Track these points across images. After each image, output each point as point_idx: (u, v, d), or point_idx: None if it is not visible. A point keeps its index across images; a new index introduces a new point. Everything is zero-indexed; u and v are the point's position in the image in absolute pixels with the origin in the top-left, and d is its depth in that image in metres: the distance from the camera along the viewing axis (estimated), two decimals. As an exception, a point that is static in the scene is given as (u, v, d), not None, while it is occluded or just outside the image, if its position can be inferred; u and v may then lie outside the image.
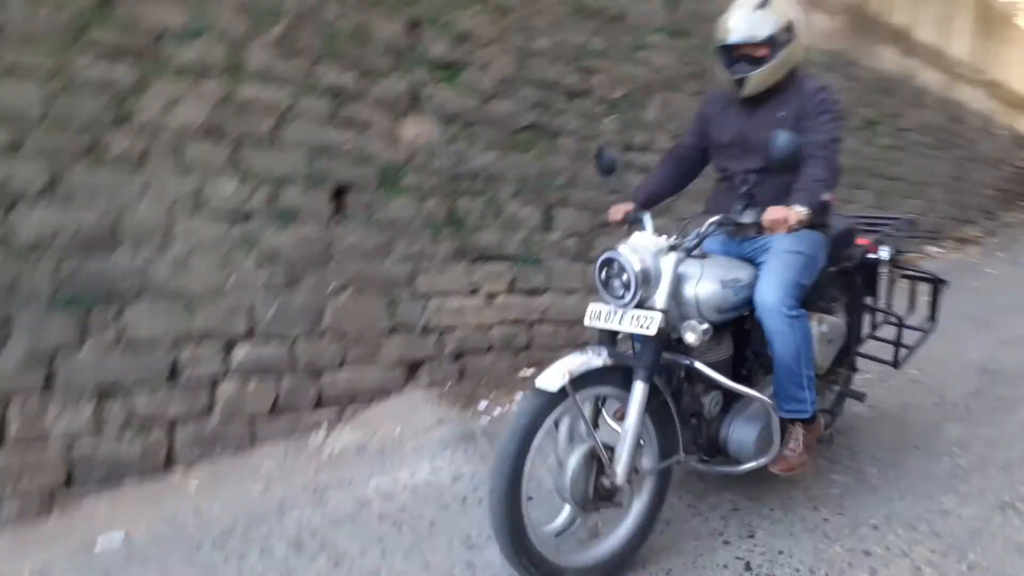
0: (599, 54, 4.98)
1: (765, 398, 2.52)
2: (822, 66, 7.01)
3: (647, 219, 2.62)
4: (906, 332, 3.48)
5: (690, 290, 2.44)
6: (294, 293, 3.55)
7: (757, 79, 2.64)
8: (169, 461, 3.16)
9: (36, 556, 2.60)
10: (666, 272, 2.35)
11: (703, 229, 2.43)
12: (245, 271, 3.40)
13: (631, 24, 5.24)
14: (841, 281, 3.13)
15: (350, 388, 3.73)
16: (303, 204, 3.60)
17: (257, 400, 3.41)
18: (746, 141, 2.69)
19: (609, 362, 2.26)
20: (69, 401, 2.93)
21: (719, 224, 2.42)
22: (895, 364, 3.49)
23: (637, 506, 2.42)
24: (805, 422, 2.67)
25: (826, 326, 2.88)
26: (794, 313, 2.52)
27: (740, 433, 2.61)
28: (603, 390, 2.33)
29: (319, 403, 3.62)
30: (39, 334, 2.87)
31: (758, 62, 2.63)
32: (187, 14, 3.26)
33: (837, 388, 3.24)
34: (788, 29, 2.63)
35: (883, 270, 3.26)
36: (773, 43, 2.60)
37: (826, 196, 2.53)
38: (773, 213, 2.33)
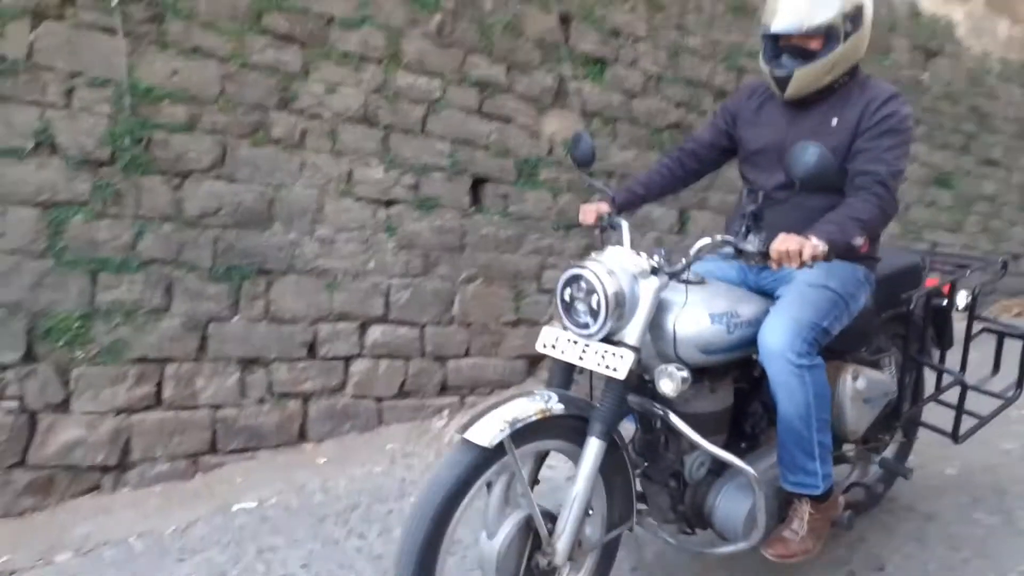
0: (752, 54, 4.77)
1: (751, 470, 1.96)
2: (998, 76, 6.46)
3: (624, 227, 2.16)
4: (981, 398, 2.82)
5: (669, 321, 1.93)
6: (428, 280, 3.63)
7: (804, 78, 2.09)
8: (302, 434, 3.32)
9: (180, 516, 2.80)
10: (644, 300, 1.86)
11: (693, 251, 1.92)
12: (385, 255, 3.50)
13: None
14: (896, 329, 2.61)
15: (473, 377, 3.79)
16: (443, 193, 3.65)
17: (386, 381, 3.52)
18: (783, 151, 2.04)
19: (560, 411, 1.80)
20: (217, 369, 3.11)
21: (713, 247, 1.92)
22: (954, 437, 2.79)
23: None
24: (815, 499, 2.12)
25: (864, 382, 2.29)
26: (805, 362, 1.98)
27: (729, 505, 2.07)
28: (550, 444, 1.88)
29: (443, 389, 3.71)
30: (197, 303, 3.05)
31: (808, 56, 2.09)
32: (354, 2, 3.34)
33: (879, 458, 2.60)
34: (854, 17, 2.07)
35: (955, 319, 2.70)
36: (830, 33, 2.05)
37: (859, 240, 1.98)
38: (783, 243, 1.83)
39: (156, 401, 3.00)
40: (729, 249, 1.92)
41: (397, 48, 3.47)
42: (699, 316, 1.95)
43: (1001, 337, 2.87)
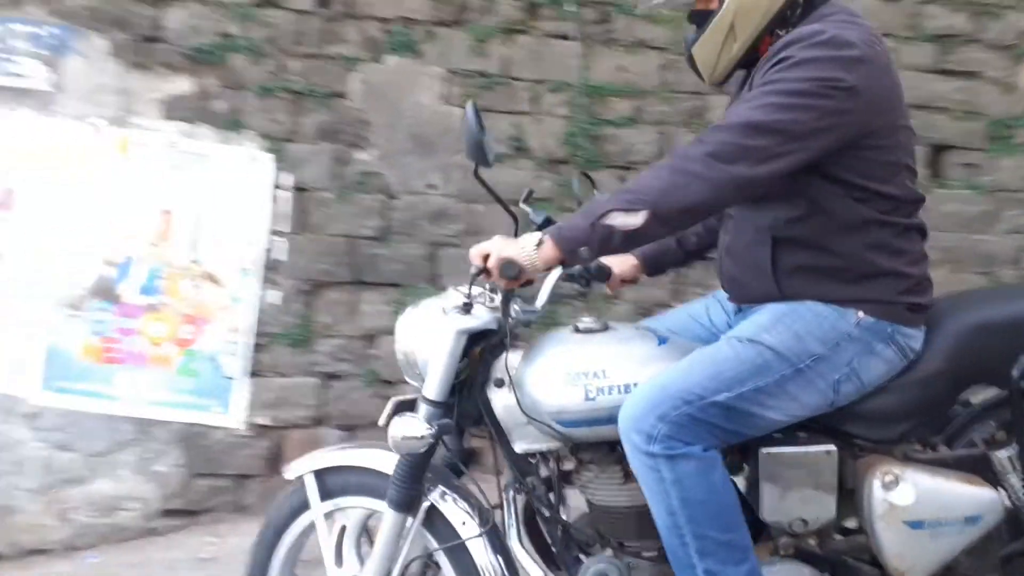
0: None
1: None
2: None
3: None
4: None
5: (521, 377, 1.48)
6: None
7: (701, 52, 1.47)
8: None
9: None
10: (444, 344, 1.47)
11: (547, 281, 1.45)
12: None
13: None
14: (997, 418, 1.55)
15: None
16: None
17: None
18: None
19: (373, 465, 1.55)
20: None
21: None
22: None
23: None
24: None
25: (910, 493, 1.44)
26: (657, 449, 1.34)
27: None
28: (375, 505, 1.57)
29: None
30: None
31: (705, 19, 1.46)
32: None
33: None
34: None
35: None
36: None
37: (631, 221, 1.30)
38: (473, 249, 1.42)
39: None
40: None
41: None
42: (548, 373, 1.46)
43: None
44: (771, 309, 1.44)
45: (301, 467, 1.63)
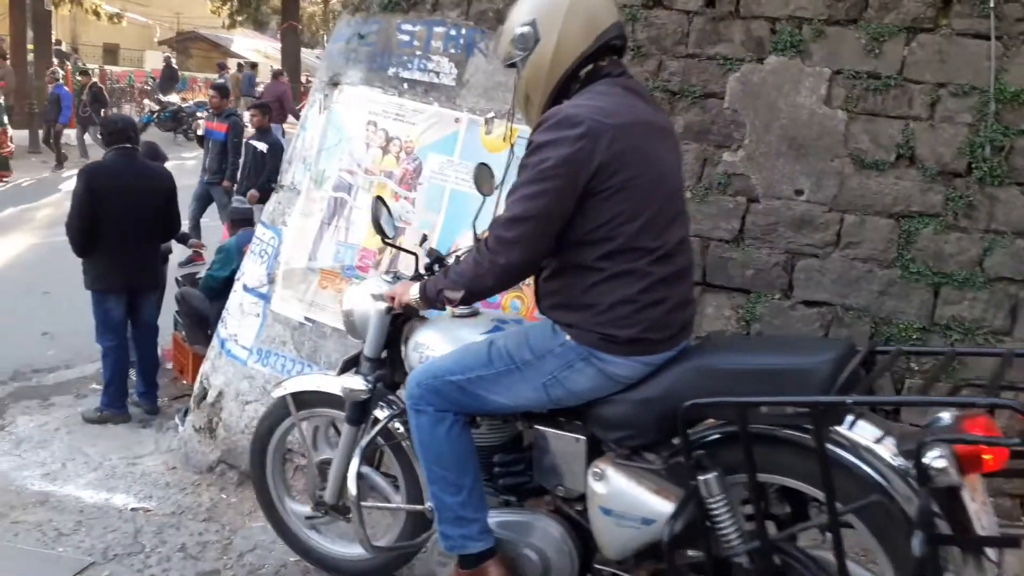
0: None
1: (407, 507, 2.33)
2: None
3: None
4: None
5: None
6: None
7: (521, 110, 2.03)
8: None
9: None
10: (374, 320, 2.23)
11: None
12: None
13: None
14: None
15: None
16: None
17: None
18: None
19: (335, 391, 2.28)
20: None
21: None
22: None
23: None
24: (462, 565, 1.98)
25: (605, 486, 1.84)
26: (411, 404, 1.98)
27: None
28: (334, 414, 2.37)
29: None
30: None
31: None
32: None
33: None
34: (523, 38, 1.82)
35: None
36: (516, 66, 1.88)
37: (450, 294, 1.89)
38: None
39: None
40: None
41: None
42: (417, 340, 2.16)
43: None
44: (529, 324, 2.03)
45: (282, 389, 2.44)
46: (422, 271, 2.23)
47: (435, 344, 2.08)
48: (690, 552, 1.80)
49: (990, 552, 1.50)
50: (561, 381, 1.81)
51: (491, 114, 2.98)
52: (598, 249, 1.74)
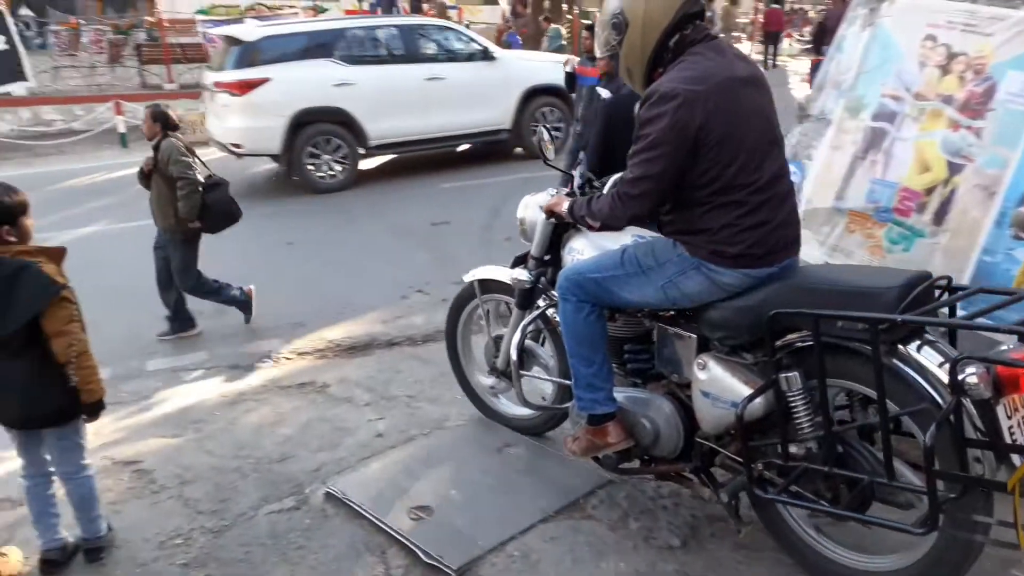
0: None
1: (557, 380, 2.89)
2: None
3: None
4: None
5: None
6: None
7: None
8: None
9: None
10: (540, 226, 2.76)
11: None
12: None
13: None
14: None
15: None
16: None
17: None
18: None
19: (507, 280, 2.92)
20: None
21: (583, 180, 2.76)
22: None
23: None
24: (589, 422, 2.49)
25: (706, 374, 2.30)
26: (559, 293, 2.47)
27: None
28: (507, 299, 2.99)
29: None
30: None
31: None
32: None
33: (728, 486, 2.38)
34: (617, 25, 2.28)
35: None
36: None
37: (592, 223, 2.38)
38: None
39: None
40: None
41: None
42: (571, 245, 2.66)
43: None
44: (655, 237, 2.41)
45: (471, 276, 3.08)
46: (575, 189, 2.68)
47: (584, 249, 2.56)
48: (766, 441, 2.20)
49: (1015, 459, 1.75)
50: (677, 284, 2.24)
51: None
52: (707, 189, 2.12)
